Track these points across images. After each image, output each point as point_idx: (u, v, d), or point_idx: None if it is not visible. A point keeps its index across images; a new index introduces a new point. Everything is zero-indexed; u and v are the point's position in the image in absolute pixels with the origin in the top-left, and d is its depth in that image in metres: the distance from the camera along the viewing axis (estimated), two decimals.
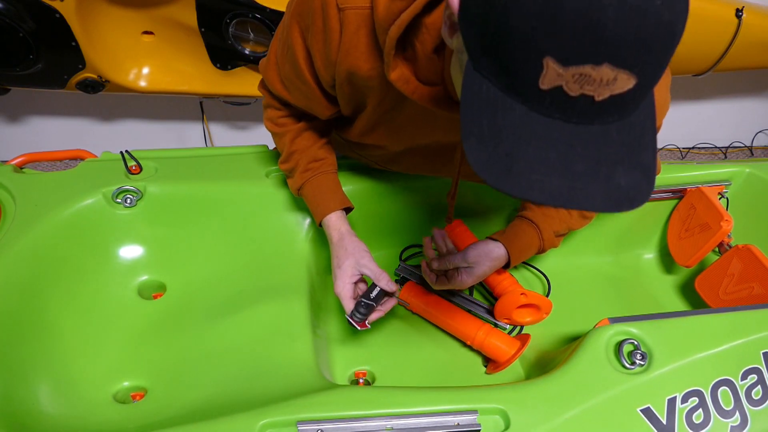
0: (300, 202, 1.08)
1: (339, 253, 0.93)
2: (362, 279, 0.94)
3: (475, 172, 0.50)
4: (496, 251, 0.96)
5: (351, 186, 1.10)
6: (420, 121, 0.87)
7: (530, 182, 0.49)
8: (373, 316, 0.91)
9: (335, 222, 0.96)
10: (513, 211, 1.18)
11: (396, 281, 1.15)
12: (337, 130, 1.04)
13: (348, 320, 0.90)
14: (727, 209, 1.20)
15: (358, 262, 0.91)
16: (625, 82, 0.47)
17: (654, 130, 0.52)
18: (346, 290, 0.91)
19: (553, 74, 0.46)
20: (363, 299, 0.89)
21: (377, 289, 0.90)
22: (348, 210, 1.00)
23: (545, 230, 0.98)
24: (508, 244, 0.96)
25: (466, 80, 0.52)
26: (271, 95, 0.97)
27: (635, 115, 0.51)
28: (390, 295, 0.93)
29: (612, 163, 0.50)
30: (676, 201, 1.25)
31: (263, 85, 0.98)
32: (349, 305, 0.90)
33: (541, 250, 0.99)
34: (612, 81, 0.46)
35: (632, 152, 0.51)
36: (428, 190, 1.16)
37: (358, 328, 0.89)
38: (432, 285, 0.99)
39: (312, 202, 0.99)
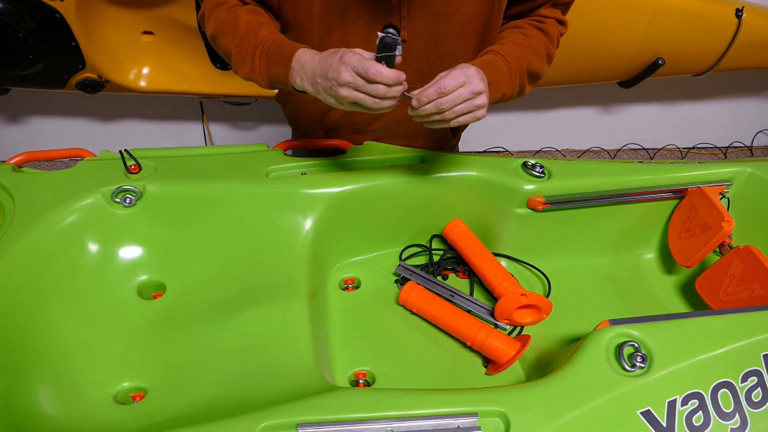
0: (300, 203, 1.07)
1: (331, 54, 0.89)
2: None
3: None
4: (468, 68, 0.90)
5: (351, 186, 1.10)
6: None
7: None
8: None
9: (308, 50, 0.94)
10: (518, 207, 1.18)
11: (396, 281, 1.15)
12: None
13: (380, 35, 0.84)
14: (728, 209, 1.20)
15: (351, 50, 0.88)
16: None
17: None
18: (359, 55, 0.86)
19: None
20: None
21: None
22: None
23: (503, 51, 1.00)
24: (475, 64, 0.94)
25: None
26: None
27: None
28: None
29: None
30: (677, 201, 1.25)
31: None
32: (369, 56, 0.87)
33: (509, 71, 1.00)
34: None
35: None
36: (428, 189, 1.16)
37: (398, 38, 0.85)
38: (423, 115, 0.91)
39: (278, 51, 0.96)
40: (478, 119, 0.92)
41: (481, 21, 1.08)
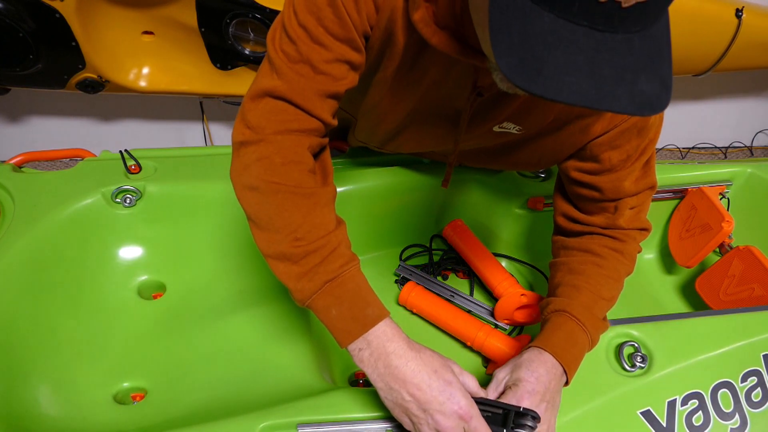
0: None
1: (434, 364, 0.70)
2: None
3: (501, 84, 0.63)
4: (551, 371, 0.75)
5: (351, 186, 1.10)
6: (432, 83, 0.81)
7: (560, 84, 0.51)
8: None
9: (395, 328, 0.72)
10: (518, 207, 1.18)
11: (396, 281, 1.15)
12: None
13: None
14: (728, 209, 1.20)
15: (455, 371, 0.72)
16: None
17: (669, 45, 0.55)
18: (475, 408, 0.69)
19: None
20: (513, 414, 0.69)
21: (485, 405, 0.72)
22: None
23: (582, 316, 0.80)
24: (552, 349, 0.76)
25: None
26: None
27: (655, 27, 0.54)
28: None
29: (635, 71, 0.52)
30: (677, 201, 1.25)
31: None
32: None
33: (590, 341, 0.80)
34: None
35: (653, 63, 0.54)
36: (429, 189, 1.16)
37: None
38: None
39: (354, 303, 0.71)
40: None
41: (523, 146, 0.94)
